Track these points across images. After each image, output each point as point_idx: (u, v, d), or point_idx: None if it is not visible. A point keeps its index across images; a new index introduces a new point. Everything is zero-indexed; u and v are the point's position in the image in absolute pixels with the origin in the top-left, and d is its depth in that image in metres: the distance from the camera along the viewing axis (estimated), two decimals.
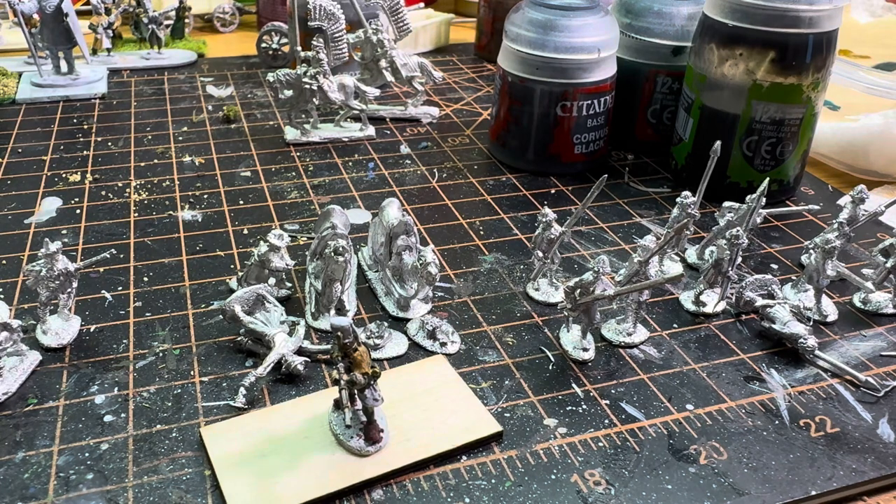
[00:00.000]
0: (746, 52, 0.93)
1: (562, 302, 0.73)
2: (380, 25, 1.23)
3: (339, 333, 0.58)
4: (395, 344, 0.73)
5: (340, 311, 0.76)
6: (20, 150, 1.11)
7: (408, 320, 0.76)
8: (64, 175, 1.04)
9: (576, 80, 1.02)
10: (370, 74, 1.25)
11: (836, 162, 1.13)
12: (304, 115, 1.20)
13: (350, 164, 1.10)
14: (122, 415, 0.64)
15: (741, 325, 0.78)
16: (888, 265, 0.80)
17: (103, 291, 0.80)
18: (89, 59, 1.40)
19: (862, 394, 0.69)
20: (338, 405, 0.62)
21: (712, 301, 0.79)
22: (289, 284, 0.80)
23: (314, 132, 1.16)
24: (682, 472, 0.61)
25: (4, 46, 1.53)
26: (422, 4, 1.68)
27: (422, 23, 1.59)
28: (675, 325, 0.78)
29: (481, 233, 0.93)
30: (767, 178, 0.86)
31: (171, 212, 0.95)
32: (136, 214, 0.95)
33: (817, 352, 0.72)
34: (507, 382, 0.69)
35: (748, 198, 0.85)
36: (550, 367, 0.71)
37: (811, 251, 0.82)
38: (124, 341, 0.73)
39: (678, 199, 0.84)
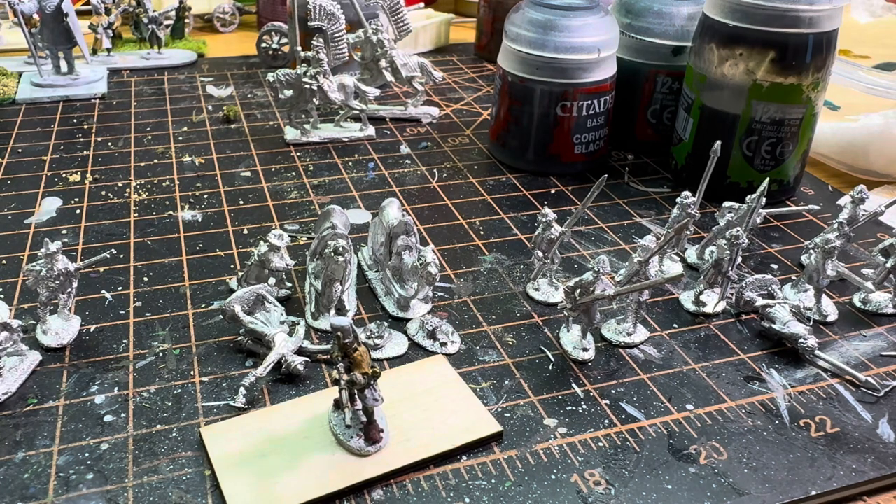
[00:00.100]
0: (746, 52, 0.93)
1: (562, 302, 0.73)
2: (380, 25, 1.23)
3: (339, 333, 0.58)
4: (395, 344, 0.73)
5: (340, 311, 0.76)
6: (20, 150, 1.11)
7: (408, 320, 0.76)
8: (64, 175, 1.04)
9: (576, 80, 1.02)
10: (370, 74, 1.25)
11: (836, 162, 1.13)
12: (304, 115, 1.20)
13: (350, 164, 1.10)
14: (122, 415, 0.64)
15: (741, 325, 0.78)
16: (888, 265, 0.80)
17: (103, 291, 0.80)
18: (89, 59, 1.40)
19: (862, 394, 0.69)
20: (338, 405, 0.62)
21: (712, 301, 0.79)
22: (289, 284, 0.80)
23: (314, 132, 1.16)
24: (682, 472, 0.61)
25: (4, 46, 1.53)
26: (422, 4, 1.68)
27: (422, 23, 1.59)
28: (675, 325, 0.78)
29: (481, 233, 0.93)
30: (767, 178, 0.86)
31: (171, 212, 0.95)
32: (136, 214, 0.95)
33: (817, 352, 0.72)
34: (507, 382, 0.69)
35: (748, 198, 0.85)
36: (550, 367, 0.71)
37: (811, 251, 0.82)
38: (124, 341, 0.73)
39: (678, 199, 0.84)
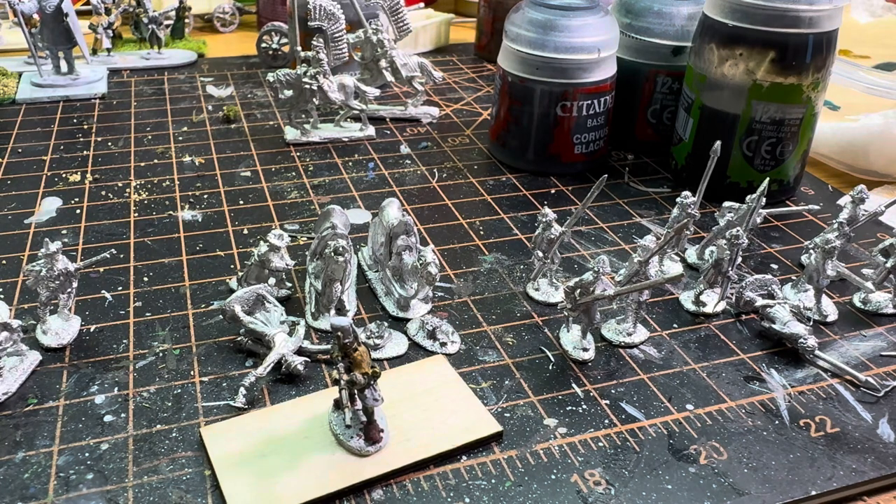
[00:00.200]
0: (746, 52, 0.93)
1: (562, 302, 0.73)
2: (380, 25, 1.23)
3: (339, 333, 0.58)
4: (395, 344, 0.73)
5: (340, 311, 0.76)
6: (20, 150, 1.11)
7: (408, 320, 0.76)
8: (64, 175, 1.04)
9: (576, 80, 1.02)
10: (370, 74, 1.25)
11: (836, 162, 1.13)
12: (304, 115, 1.20)
13: (350, 164, 1.10)
14: (122, 415, 0.64)
15: (741, 325, 0.78)
16: (888, 265, 0.80)
17: (103, 291, 0.80)
18: (89, 59, 1.40)
19: (862, 394, 0.69)
20: (338, 405, 0.62)
21: (712, 301, 0.79)
22: (289, 284, 0.80)
23: (314, 132, 1.16)
24: (682, 472, 0.61)
25: (4, 46, 1.53)
26: (422, 4, 1.68)
27: (422, 23, 1.59)
28: (675, 325, 0.78)
29: (481, 233, 0.93)
30: (767, 178, 0.86)
31: (171, 212, 0.95)
32: (136, 214, 0.95)
33: (817, 352, 0.72)
34: (507, 382, 0.69)
35: (748, 198, 0.85)
36: (550, 367, 0.71)
37: (811, 251, 0.82)
38: (124, 341, 0.73)
39: (678, 199, 0.84)
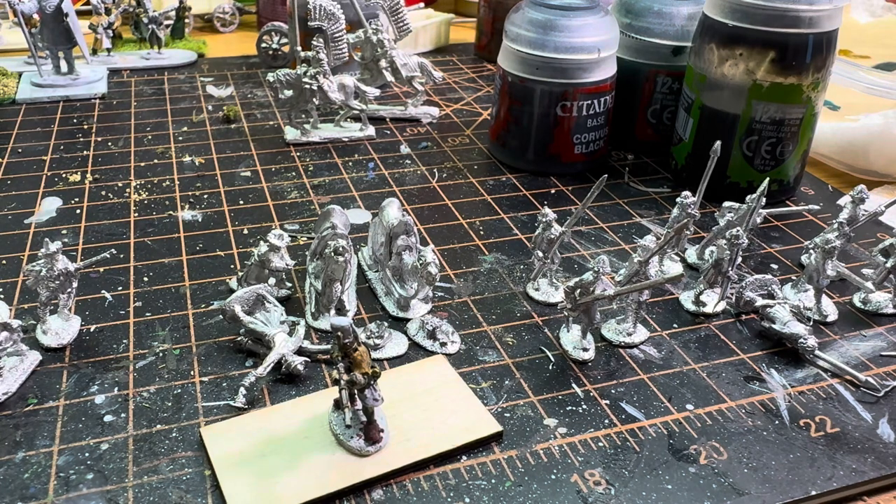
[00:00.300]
0: (746, 52, 0.93)
1: (562, 302, 0.73)
2: (380, 25, 1.23)
3: (339, 333, 0.58)
4: (395, 344, 0.73)
5: (340, 311, 0.76)
6: (20, 150, 1.11)
7: (408, 320, 0.76)
8: (64, 175, 1.04)
9: (576, 80, 1.02)
10: (370, 74, 1.25)
11: (836, 162, 1.13)
12: (304, 115, 1.20)
13: (350, 164, 1.10)
14: (122, 415, 0.64)
15: (741, 325, 0.78)
16: (888, 265, 0.80)
17: (103, 291, 0.80)
18: (89, 59, 1.40)
19: (862, 394, 0.69)
20: (338, 405, 0.62)
21: (712, 301, 0.79)
22: (289, 284, 0.80)
23: (314, 132, 1.16)
24: (682, 472, 0.61)
25: (4, 46, 1.53)
26: (422, 4, 1.68)
27: (422, 23, 1.59)
28: (675, 325, 0.78)
29: (481, 233, 0.93)
30: (767, 178, 0.86)
31: (171, 212, 0.95)
32: (136, 214, 0.95)
33: (817, 352, 0.72)
34: (507, 382, 0.69)
35: (748, 198, 0.85)
36: (550, 367, 0.71)
37: (811, 251, 0.82)
38: (124, 341, 0.73)
39: (678, 199, 0.84)
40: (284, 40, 1.46)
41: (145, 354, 0.71)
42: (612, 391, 0.69)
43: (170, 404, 0.66)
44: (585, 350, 0.72)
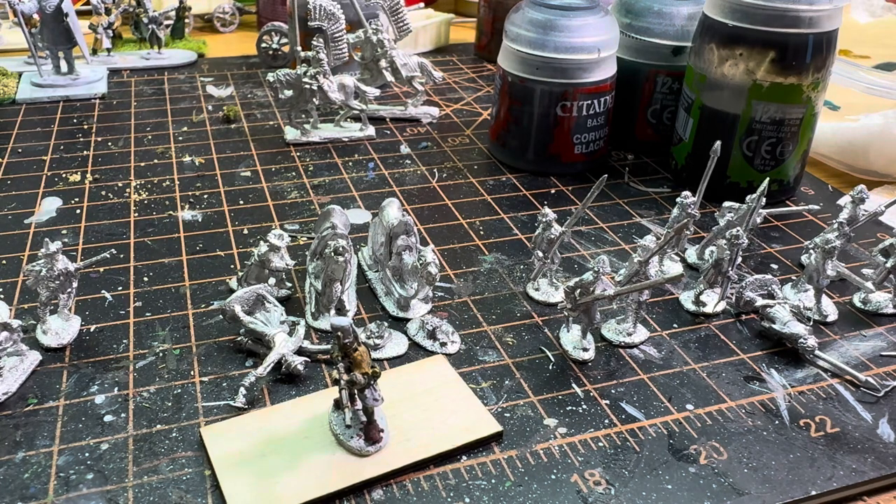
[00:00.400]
0: (746, 52, 0.93)
1: (562, 302, 0.73)
2: (380, 25, 1.23)
3: (339, 333, 0.58)
4: (395, 344, 0.73)
5: (340, 311, 0.76)
6: (20, 150, 1.11)
7: (408, 320, 0.76)
8: (64, 175, 1.04)
9: (576, 80, 1.02)
10: (370, 74, 1.25)
11: (836, 162, 1.13)
12: (304, 115, 1.20)
13: (350, 164, 1.10)
14: (122, 415, 0.64)
15: (741, 325, 0.78)
16: (888, 265, 0.80)
17: (103, 291, 0.80)
18: (89, 59, 1.40)
19: (862, 394, 0.69)
20: (338, 405, 0.62)
21: (712, 301, 0.79)
22: (289, 284, 0.80)
23: (314, 132, 1.16)
24: (682, 472, 0.61)
25: (4, 46, 1.53)
26: (422, 4, 1.68)
27: (422, 23, 1.59)
28: (675, 325, 0.78)
29: (481, 233, 0.93)
30: (767, 178, 0.86)
31: (171, 212, 0.95)
32: (136, 214, 0.95)
33: (817, 352, 0.72)
34: (507, 382, 0.69)
35: (748, 198, 0.85)
36: (550, 367, 0.71)
37: (811, 251, 0.82)
38: (124, 341, 0.73)
39: (678, 199, 0.84)
40: (284, 40, 1.46)
41: (145, 354, 0.71)
42: (612, 391, 0.69)
43: (170, 404, 0.66)
44: (585, 350, 0.72)
